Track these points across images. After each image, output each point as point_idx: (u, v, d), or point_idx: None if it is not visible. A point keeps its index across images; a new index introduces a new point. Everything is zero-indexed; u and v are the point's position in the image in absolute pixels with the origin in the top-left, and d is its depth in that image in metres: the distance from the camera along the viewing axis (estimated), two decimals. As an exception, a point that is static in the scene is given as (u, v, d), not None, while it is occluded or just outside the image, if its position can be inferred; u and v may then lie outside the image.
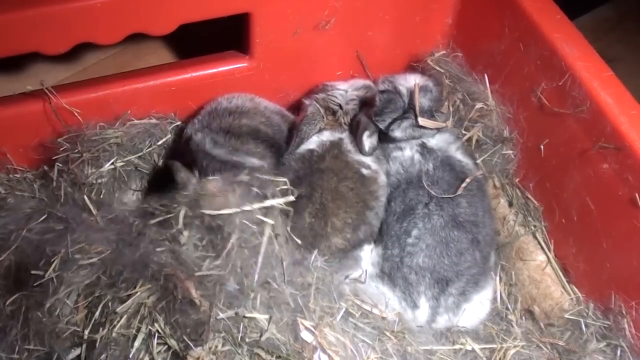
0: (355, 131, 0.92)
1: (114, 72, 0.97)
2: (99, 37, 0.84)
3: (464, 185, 0.88)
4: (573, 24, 0.89)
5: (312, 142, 0.91)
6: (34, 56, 0.82)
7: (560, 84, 0.85)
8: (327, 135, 0.92)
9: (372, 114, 0.92)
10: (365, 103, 0.96)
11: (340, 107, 0.94)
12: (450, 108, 0.99)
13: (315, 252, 0.77)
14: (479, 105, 0.97)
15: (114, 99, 0.91)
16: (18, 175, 0.91)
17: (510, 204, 0.99)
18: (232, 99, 0.94)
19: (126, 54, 1.16)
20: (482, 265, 0.87)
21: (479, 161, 0.97)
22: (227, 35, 0.97)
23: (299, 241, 0.75)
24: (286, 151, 0.90)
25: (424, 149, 0.92)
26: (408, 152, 0.92)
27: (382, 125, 0.92)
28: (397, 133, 0.92)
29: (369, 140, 0.91)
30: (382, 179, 0.90)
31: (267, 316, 0.65)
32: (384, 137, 0.94)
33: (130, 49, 1.15)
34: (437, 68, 1.02)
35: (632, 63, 1.22)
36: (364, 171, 0.89)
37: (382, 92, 0.94)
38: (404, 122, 0.92)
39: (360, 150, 0.90)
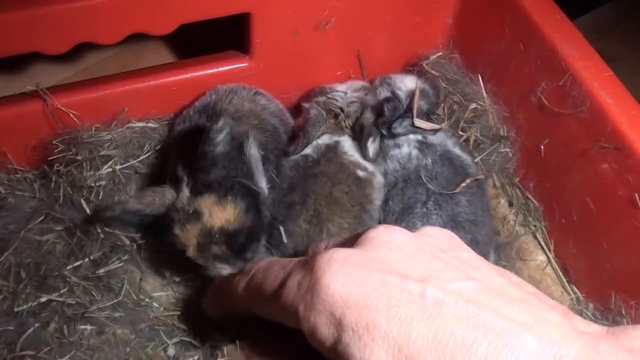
0: (359, 136, 0.91)
1: (114, 72, 0.97)
2: (99, 37, 0.84)
3: (463, 185, 0.88)
4: (573, 24, 0.89)
5: (308, 147, 0.90)
6: (34, 56, 0.82)
7: (560, 84, 0.85)
8: (324, 139, 0.91)
9: (380, 123, 0.92)
10: (367, 106, 0.95)
11: (342, 110, 0.94)
12: (446, 110, 0.99)
13: None
14: (473, 105, 0.97)
15: (114, 99, 0.91)
16: (18, 175, 0.91)
17: (510, 204, 0.99)
18: (232, 98, 0.92)
19: (126, 54, 1.15)
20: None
21: (477, 160, 0.97)
22: (227, 35, 0.96)
23: None
24: (291, 153, 0.90)
25: (423, 145, 0.92)
26: (405, 149, 0.92)
27: (385, 132, 0.92)
28: (399, 130, 0.92)
29: (372, 146, 0.90)
30: (378, 180, 0.90)
31: None
32: (384, 135, 0.94)
33: (130, 49, 1.15)
34: (432, 72, 1.02)
35: (632, 63, 1.22)
36: (360, 173, 0.88)
37: (387, 100, 0.93)
38: (405, 120, 0.92)
39: (365, 156, 0.90)
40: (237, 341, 0.70)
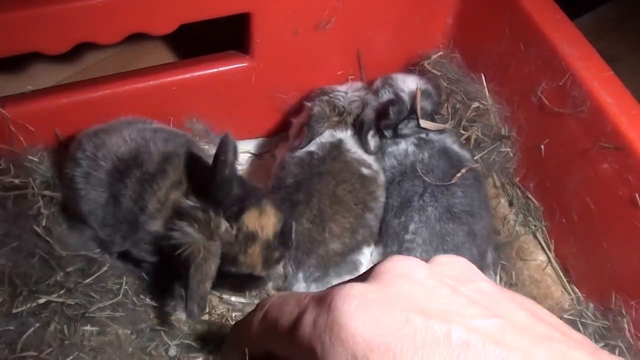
0: (359, 131, 0.92)
1: (114, 72, 0.97)
2: (99, 37, 0.84)
3: (458, 175, 0.88)
4: (574, 23, 0.89)
5: (312, 144, 0.90)
6: (34, 56, 0.81)
7: (560, 83, 0.85)
8: (326, 137, 0.91)
9: (383, 126, 0.93)
10: (367, 104, 0.95)
11: (344, 107, 0.94)
12: (449, 109, 0.99)
13: None
14: (475, 104, 0.97)
15: (114, 100, 0.91)
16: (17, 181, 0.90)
17: (511, 204, 0.99)
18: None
19: (126, 54, 1.15)
20: (480, 262, 0.86)
21: (477, 158, 0.97)
22: (227, 35, 0.96)
23: None
24: (295, 149, 0.90)
25: (421, 140, 0.92)
26: (403, 146, 0.93)
27: (389, 134, 0.93)
28: (405, 131, 0.93)
29: (373, 140, 0.91)
30: (382, 178, 0.90)
31: None
32: (386, 136, 0.94)
33: (130, 49, 1.15)
34: (434, 71, 1.02)
35: (633, 63, 1.22)
36: (365, 171, 0.89)
37: (392, 103, 0.94)
38: (411, 121, 0.92)
39: (366, 150, 0.91)
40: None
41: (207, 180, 0.73)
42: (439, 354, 0.44)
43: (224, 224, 0.73)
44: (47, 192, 0.83)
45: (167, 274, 0.81)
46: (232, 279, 0.78)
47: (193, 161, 0.79)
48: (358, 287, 0.48)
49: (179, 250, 0.70)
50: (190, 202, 0.74)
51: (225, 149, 0.70)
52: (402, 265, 0.50)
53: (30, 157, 0.86)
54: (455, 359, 0.44)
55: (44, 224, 0.81)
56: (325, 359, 0.47)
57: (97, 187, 0.78)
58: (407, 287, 0.49)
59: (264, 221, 0.74)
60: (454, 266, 0.53)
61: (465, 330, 0.45)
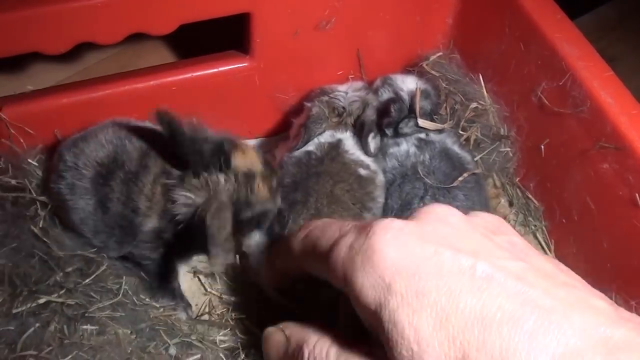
0: (359, 132, 0.92)
1: (114, 72, 0.97)
2: (99, 37, 0.84)
3: (461, 178, 0.88)
4: (574, 23, 0.89)
5: (311, 144, 0.91)
6: (34, 56, 0.82)
7: (560, 83, 0.85)
8: (326, 137, 0.91)
9: (385, 124, 0.93)
10: (368, 104, 0.95)
11: (344, 108, 0.94)
12: (448, 110, 0.99)
13: None
14: (473, 104, 0.97)
15: (114, 100, 0.91)
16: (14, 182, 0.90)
17: (511, 204, 0.99)
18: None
19: (126, 54, 1.16)
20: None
21: (477, 158, 0.97)
22: (227, 35, 0.96)
23: None
24: (293, 149, 0.90)
25: (422, 142, 0.92)
26: (404, 147, 0.93)
27: (390, 132, 0.93)
28: (405, 130, 0.93)
29: (374, 141, 0.91)
30: (380, 178, 0.90)
31: None
32: (387, 134, 0.94)
33: (130, 49, 1.15)
34: (433, 72, 1.02)
35: (633, 63, 1.22)
36: (362, 171, 0.89)
37: (393, 101, 0.94)
38: (411, 121, 0.93)
39: (366, 151, 0.91)
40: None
41: (179, 154, 0.72)
42: (462, 282, 0.47)
43: (221, 177, 0.72)
44: (42, 198, 0.83)
45: (168, 271, 0.81)
46: (248, 226, 0.77)
47: (165, 146, 0.77)
48: (397, 221, 0.52)
49: (190, 218, 0.69)
50: (178, 174, 0.73)
51: (165, 119, 0.70)
52: (440, 211, 0.55)
53: (29, 159, 0.86)
54: (477, 289, 0.46)
55: (41, 225, 0.81)
56: (355, 279, 0.50)
57: (84, 196, 0.78)
58: (442, 226, 0.52)
59: (249, 157, 0.74)
60: (490, 220, 0.57)
61: (490, 266, 0.48)
